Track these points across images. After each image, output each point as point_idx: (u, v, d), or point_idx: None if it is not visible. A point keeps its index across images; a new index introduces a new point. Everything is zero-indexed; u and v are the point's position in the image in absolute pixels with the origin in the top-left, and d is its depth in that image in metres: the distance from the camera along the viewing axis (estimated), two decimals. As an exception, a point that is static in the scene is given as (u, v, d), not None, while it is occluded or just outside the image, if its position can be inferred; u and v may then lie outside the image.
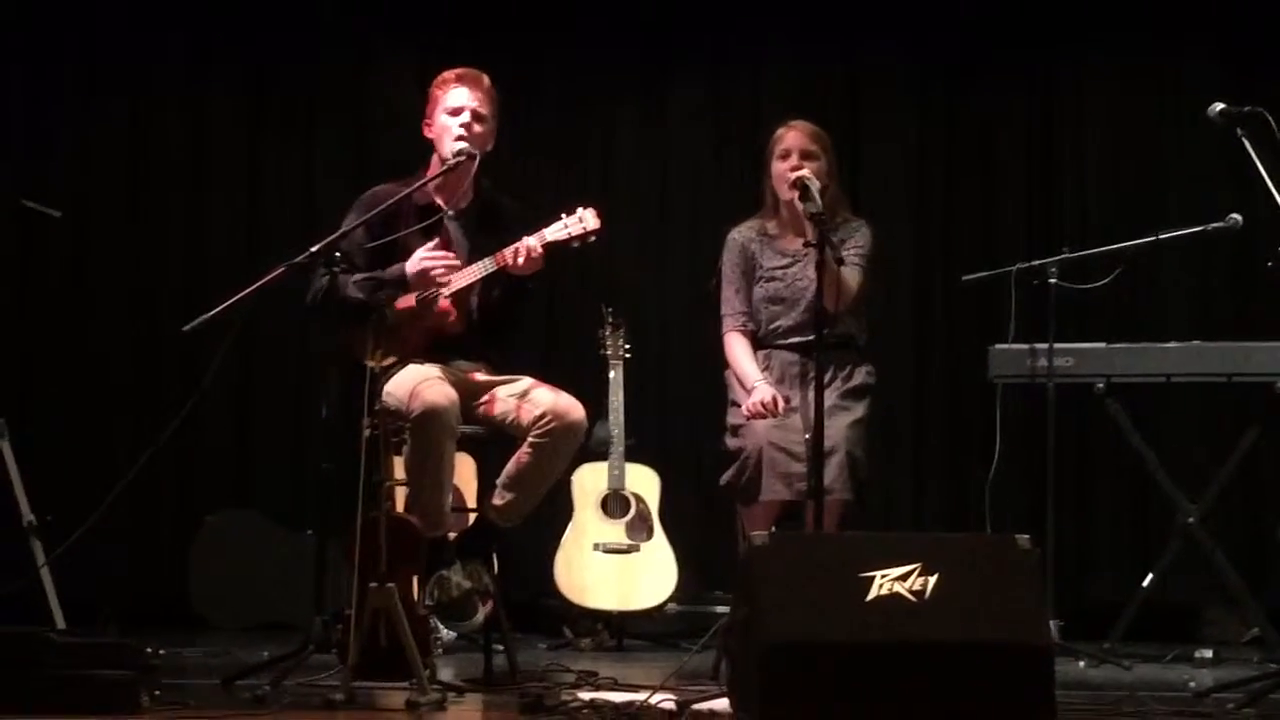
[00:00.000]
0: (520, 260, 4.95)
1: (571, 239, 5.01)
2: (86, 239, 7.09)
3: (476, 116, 5.13)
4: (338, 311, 4.91)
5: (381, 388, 4.80)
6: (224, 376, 6.49)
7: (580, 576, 6.41)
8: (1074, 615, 6.16)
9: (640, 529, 6.47)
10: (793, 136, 5.51)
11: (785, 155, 5.49)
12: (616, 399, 6.44)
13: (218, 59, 7.26)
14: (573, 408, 4.99)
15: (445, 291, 5.01)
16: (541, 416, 4.94)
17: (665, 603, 6.45)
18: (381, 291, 4.94)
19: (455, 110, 5.12)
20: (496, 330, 5.19)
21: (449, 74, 5.20)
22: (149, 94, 7.25)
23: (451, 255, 5.02)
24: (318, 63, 7.26)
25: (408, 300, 5.00)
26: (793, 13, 7.25)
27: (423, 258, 4.98)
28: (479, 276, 5.02)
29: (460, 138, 5.08)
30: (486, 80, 5.20)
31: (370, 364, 4.64)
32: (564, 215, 5.03)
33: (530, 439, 4.96)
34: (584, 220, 5.02)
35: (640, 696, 4.59)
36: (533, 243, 4.96)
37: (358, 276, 4.99)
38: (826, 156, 5.51)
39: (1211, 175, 6.84)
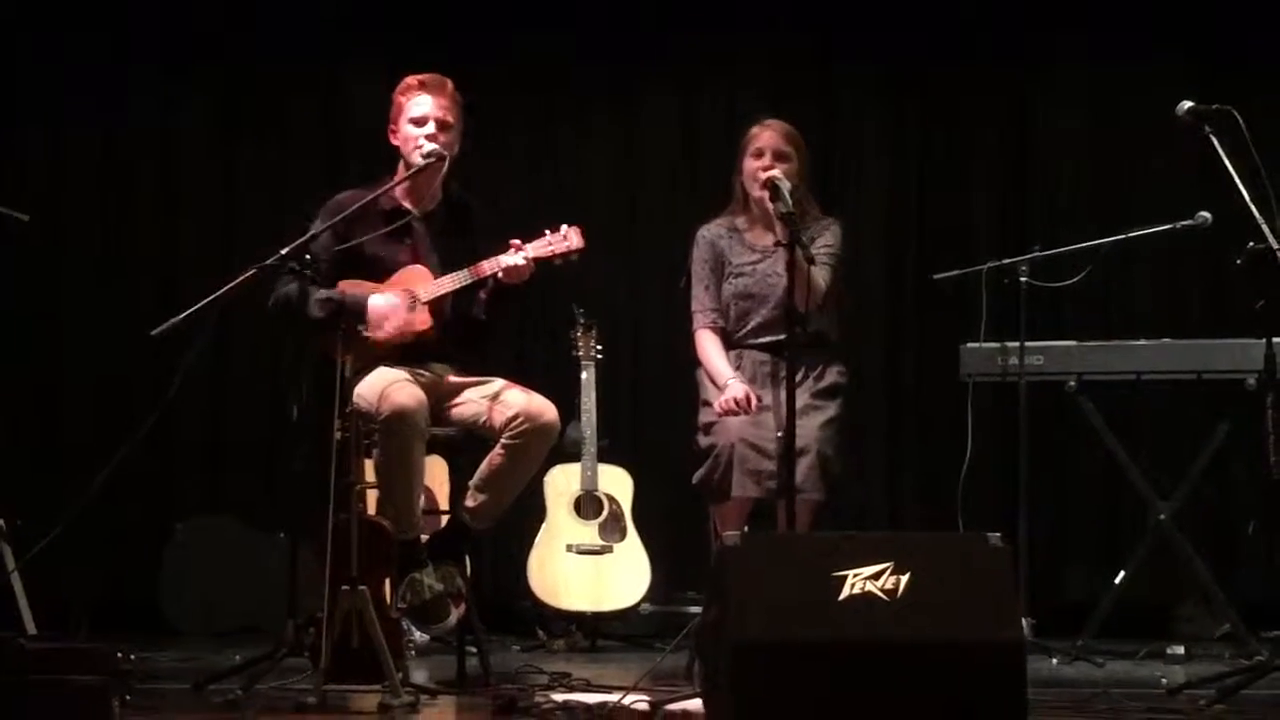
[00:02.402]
0: (501, 276, 4.97)
1: (555, 255, 5.04)
2: (57, 242, 7.07)
3: (441, 125, 5.12)
4: (300, 323, 4.91)
5: (352, 390, 4.79)
6: (195, 380, 6.47)
7: (553, 578, 6.40)
8: (1046, 613, 6.17)
9: (613, 530, 6.47)
10: (767, 136, 5.51)
11: (759, 154, 5.49)
12: (588, 400, 6.44)
13: (190, 62, 7.24)
14: (545, 409, 4.99)
15: (423, 298, 5.01)
16: (514, 418, 4.94)
17: (638, 603, 6.45)
18: (340, 318, 4.89)
19: (419, 120, 5.12)
20: (477, 332, 5.19)
21: (412, 80, 5.19)
22: (121, 97, 7.22)
23: (414, 326, 5.01)
24: (289, 65, 7.24)
25: (387, 333, 4.98)
26: (765, 11, 7.25)
27: (378, 304, 4.97)
28: (454, 288, 5.02)
29: (424, 145, 5.08)
30: (450, 85, 5.19)
31: (340, 363, 4.64)
32: (548, 231, 5.05)
33: (503, 440, 4.96)
34: (568, 238, 5.05)
35: (614, 697, 4.59)
36: (519, 260, 4.96)
37: (320, 294, 4.96)
38: (799, 156, 5.51)
39: (1181, 173, 6.86)
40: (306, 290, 4.88)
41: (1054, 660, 5.79)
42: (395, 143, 5.19)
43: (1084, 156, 7.28)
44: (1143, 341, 6.12)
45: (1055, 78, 7.30)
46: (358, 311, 4.97)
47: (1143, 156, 7.16)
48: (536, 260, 5.02)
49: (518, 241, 5.02)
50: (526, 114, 7.29)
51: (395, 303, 4.99)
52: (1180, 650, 5.98)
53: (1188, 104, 4.95)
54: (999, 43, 7.27)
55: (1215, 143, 4.85)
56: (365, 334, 4.95)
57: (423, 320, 5.00)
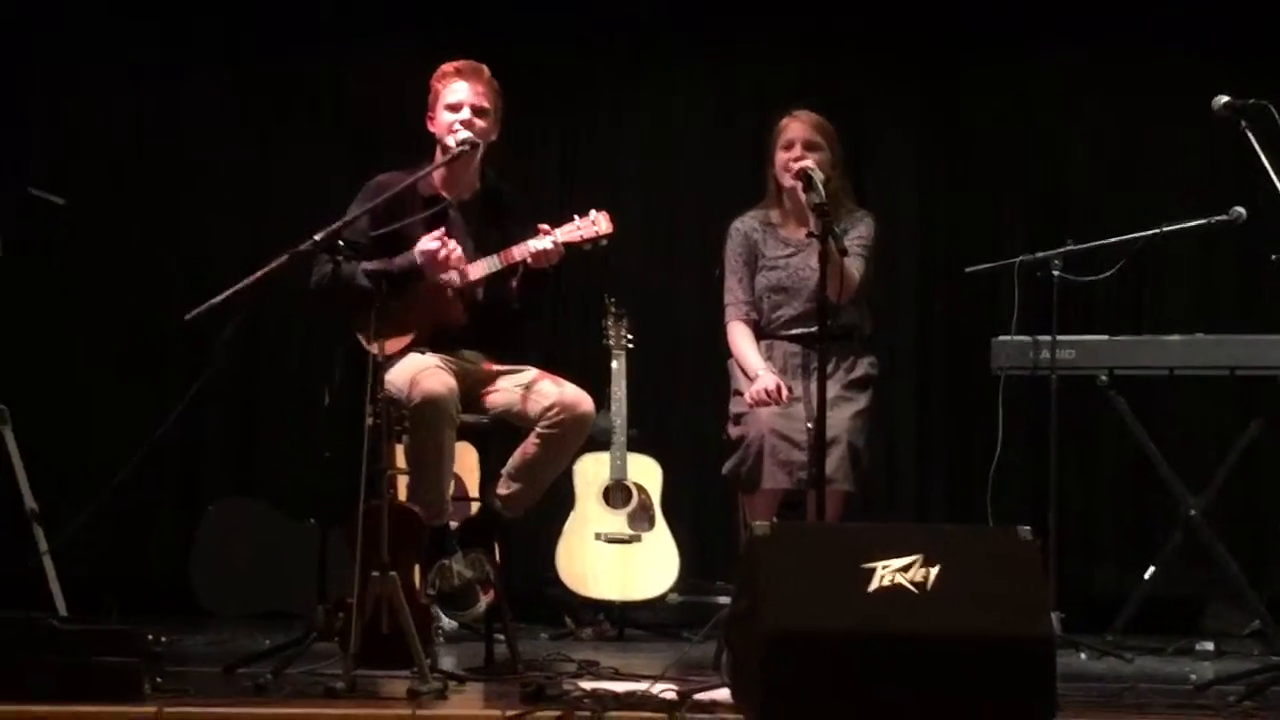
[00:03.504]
0: (530, 261, 4.97)
1: (584, 241, 5.04)
2: (91, 227, 7.09)
3: (477, 111, 5.12)
4: (343, 298, 4.91)
5: (384, 376, 4.80)
6: (227, 365, 6.49)
7: (582, 566, 6.41)
8: (1076, 607, 6.16)
9: (642, 519, 6.48)
10: (796, 127, 5.51)
11: (789, 146, 5.49)
12: (619, 389, 6.45)
13: (225, 51, 7.26)
14: (581, 399, 5.00)
15: (455, 283, 5.02)
16: (550, 408, 4.95)
17: (667, 593, 6.45)
18: (387, 279, 4.92)
19: (455, 106, 5.12)
20: (508, 320, 5.19)
21: (448, 67, 5.20)
22: (155, 86, 7.25)
23: (449, 240, 5.02)
24: (320, 53, 7.26)
25: (447, 259, 4.99)
26: (800, 6, 7.24)
27: (423, 248, 4.99)
28: (484, 274, 5.03)
29: (460, 131, 5.09)
30: (486, 72, 5.19)
31: (372, 350, 4.65)
32: (577, 217, 5.05)
33: (538, 430, 4.96)
34: (597, 223, 5.05)
35: (641, 686, 4.59)
36: (548, 245, 4.97)
37: (367, 265, 4.99)
38: (830, 147, 5.51)
39: (1216, 168, 6.84)
40: (353, 266, 4.91)
41: (1083, 655, 5.77)
42: (432, 130, 5.19)
43: (1118, 150, 7.27)
44: (1175, 337, 6.11)
45: (1090, 71, 7.28)
46: (408, 265, 4.99)
47: (1177, 151, 7.14)
48: (565, 245, 5.02)
49: (546, 227, 5.03)
50: (559, 103, 7.29)
51: (436, 241, 4.99)
52: (1209, 646, 5.97)
53: (1224, 98, 4.94)
54: (1034, 34, 7.25)
55: (1251, 137, 4.83)
56: (431, 281, 4.94)
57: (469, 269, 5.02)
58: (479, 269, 5.04)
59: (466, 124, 5.10)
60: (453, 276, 5.03)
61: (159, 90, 7.27)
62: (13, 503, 5.96)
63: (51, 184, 6.34)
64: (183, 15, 7.21)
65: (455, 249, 5.01)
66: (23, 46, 7.13)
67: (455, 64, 5.20)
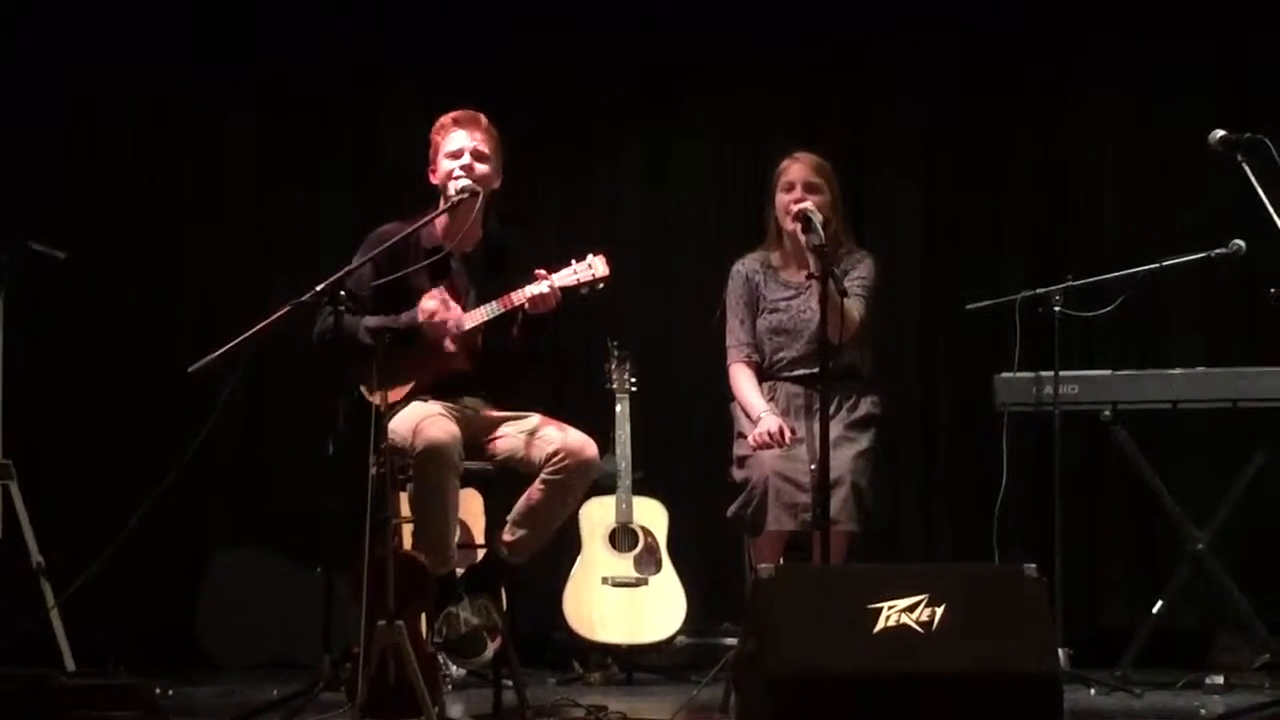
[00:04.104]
0: (528, 306, 4.98)
1: (580, 284, 5.04)
2: (96, 281, 7.10)
3: (477, 155, 5.15)
4: (345, 351, 4.93)
5: (387, 425, 4.81)
6: (231, 415, 6.50)
7: (589, 610, 6.40)
8: (1084, 643, 6.15)
9: (648, 562, 6.47)
10: (796, 169, 5.53)
11: (789, 188, 5.52)
12: (623, 432, 6.45)
13: (229, 97, 7.28)
14: (585, 445, 5.00)
15: (454, 332, 5.04)
16: (555, 454, 4.95)
17: (674, 635, 6.44)
18: (389, 335, 4.94)
19: (455, 154, 5.15)
20: (510, 367, 5.20)
21: (446, 119, 5.23)
22: (161, 132, 7.27)
23: (451, 303, 5.03)
24: (326, 100, 7.28)
25: (445, 327, 5.00)
26: (798, 43, 7.26)
27: (424, 308, 5.00)
28: (485, 319, 5.04)
29: (461, 178, 5.11)
30: (484, 120, 5.22)
31: (374, 400, 4.67)
32: (574, 261, 5.06)
33: (543, 476, 4.97)
34: (593, 267, 5.05)
35: (650, 730, 4.60)
36: (545, 289, 4.98)
37: (370, 321, 5.00)
38: (830, 188, 5.53)
39: (1215, 201, 6.85)
40: (355, 321, 4.92)
41: (1092, 690, 5.76)
42: (434, 181, 5.22)
43: (1118, 185, 7.27)
44: (1178, 370, 6.11)
45: (1088, 107, 7.29)
46: (410, 324, 5.00)
47: (1176, 185, 7.15)
48: (563, 290, 5.03)
49: (543, 271, 5.04)
50: (558, 147, 7.30)
51: (437, 300, 5.00)
52: (1219, 680, 5.94)
53: (1220, 133, 4.96)
54: (1032, 71, 7.27)
55: (1248, 170, 4.85)
56: (433, 339, 4.96)
57: (467, 318, 5.03)
58: (478, 315, 5.05)
59: (466, 169, 5.12)
60: (448, 344, 5.04)
61: (166, 137, 7.28)
62: (19, 558, 5.97)
63: (56, 235, 6.38)
64: (190, 60, 7.23)
65: (455, 311, 5.02)
66: (42, 106, 7.16)
67: (453, 114, 5.23)
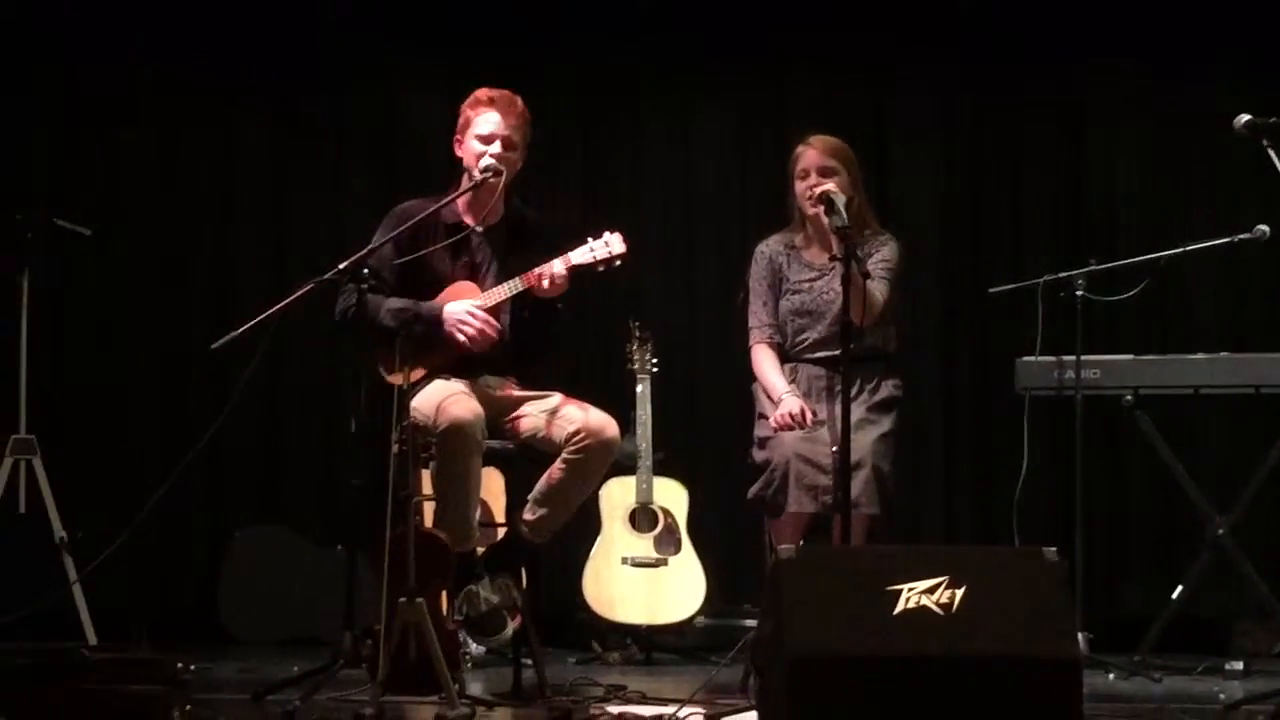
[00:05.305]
0: (545, 284, 4.97)
1: (597, 263, 5.03)
2: (118, 260, 7.12)
3: (506, 144, 5.12)
4: (367, 331, 4.93)
5: (409, 403, 4.82)
6: (253, 393, 6.52)
7: (609, 590, 6.42)
8: (1103, 627, 6.15)
9: (668, 542, 6.48)
10: (810, 155, 5.52)
11: (804, 175, 5.51)
12: (644, 413, 6.45)
13: (245, 82, 7.29)
14: (606, 424, 5.00)
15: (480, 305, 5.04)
16: (576, 433, 4.95)
17: (693, 616, 6.45)
18: (415, 326, 4.94)
19: (486, 138, 5.12)
20: (528, 348, 5.20)
21: (482, 94, 5.18)
22: (180, 120, 7.28)
23: (493, 323, 5.02)
24: (344, 80, 7.28)
25: (469, 335, 5.00)
26: (819, 27, 7.25)
27: (462, 319, 4.99)
28: (507, 296, 5.04)
29: (486, 157, 5.10)
30: (520, 103, 5.18)
31: (396, 382, 4.68)
32: (590, 239, 5.05)
33: (564, 455, 4.97)
34: (610, 244, 5.04)
35: (669, 710, 4.60)
36: (558, 268, 4.98)
37: (394, 303, 5.00)
38: (847, 169, 5.52)
39: (1240, 186, 6.83)
40: (378, 301, 4.93)
41: (1111, 675, 5.76)
42: (459, 154, 5.20)
43: (1141, 169, 7.25)
44: (1200, 355, 6.10)
45: (1113, 90, 7.27)
46: (434, 317, 5.01)
47: (1200, 169, 7.13)
48: (579, 267, 5.02)
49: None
50: (581, 126, 7.31)
51: (470, 306, 5.00)
52: (1238, 666, 5.93)
53: (1245, 117, 4.94)
54: (1056, 55, 7.25)
55: (1273, 155, 4.83)
56: (449, 338, 4.97)
57: (496, 327, 5.02)
58: (500, 292, 5.05)
59: (496, 157, 5.10)
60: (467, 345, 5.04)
61: (186, 121, 7.29)
62: (43, 533, 6.00)
63: (79, 215, 6.40)
64: (205, 48, 7.24)
65: (490, 334, 5.00)
66: (64, 81, 7.17)
67: (490, 92, 5.18)
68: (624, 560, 6.44)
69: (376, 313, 4.94)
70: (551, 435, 5.00)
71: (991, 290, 6.30)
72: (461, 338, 4.98)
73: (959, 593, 3.94)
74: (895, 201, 7.12)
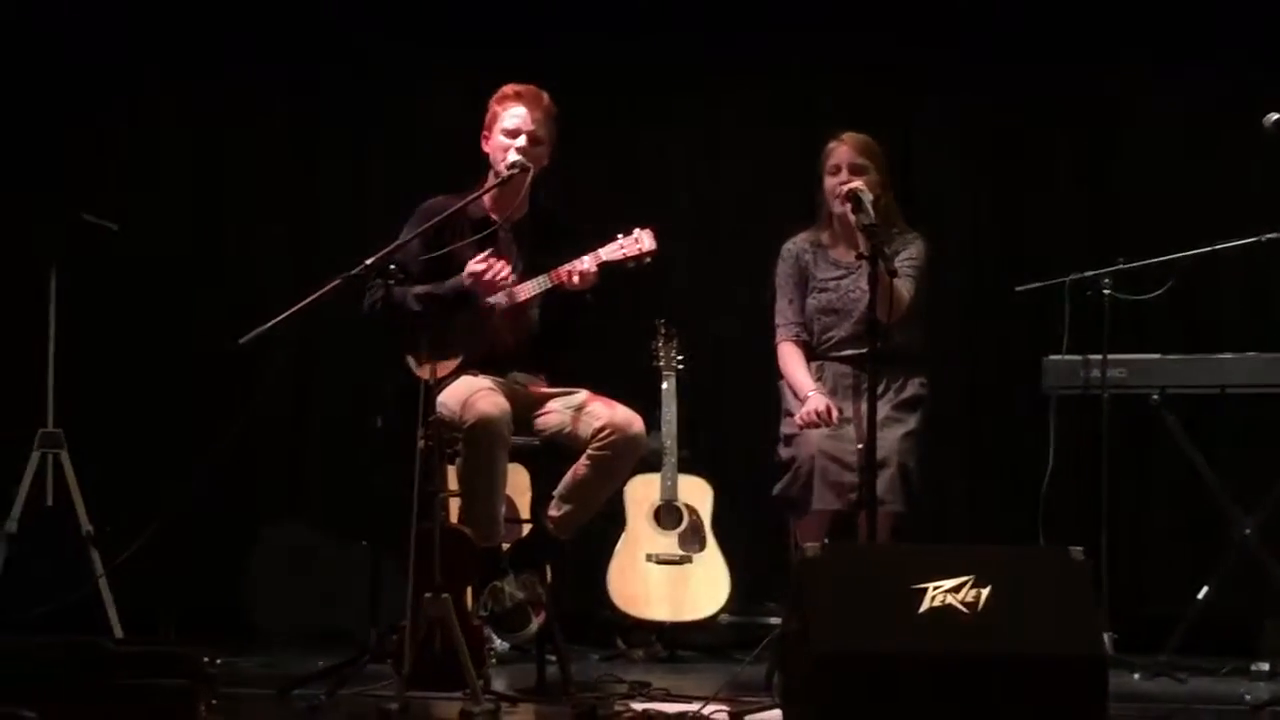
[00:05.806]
0: (575, 280, 4.98)
1: (627, 259, 5.04)
2: (145, 255, 7.13)
3: (532, 139, 5.14)
4: (395, 322, 4.95)
5: (436, 399, 4.83)
6: (280, 388, 6.53)
7: (633, 587, 6.42)
8: (1129, 627, 6.12)
9: (693, 540, 6.48)
10: (842, 151, 5.53)
11: (835, 171, 5.52)
12: (669, 410, 6.45)
13: (271, 81, 7.31)
14: (632, 421, 5.01)
15: (504, 303, 5.05)
16: (602, 430, 4.96)
17: (718, 613, 6.45)
18: (441, 302, 4.96)
19: (512, 132, 5.14)
20: (556, 343, 5.21)
21: (510, 89, 5.21)
22: (207, 118, 7.30)
23: (496, 261, 5.03)
24: (367, 79, 7.29)
25: (496, 285, 5.02)
26: (847, 25, 7.23)
27: (470, 270, 5.01)
28: (535, 293, 5.05)
29: (512, 152, 5.11)
30: (546, 99, 5.20)
31: (422, 375, 4.69)
32: (620, 235, 5.06)
33: (590, 451, 4.98)
34: (640, 241, 5.05)
35: (693, 707, 4.61)
36: (587, 264, 4.99)
37: (417, 290, 5.02)
38: (877, 167, 5.52)
39: (1268, 185, 6.80)
40: (404, 290, 4.95)
41: (1136, 675, 5.75)
42: (486, 149, 5.22)
43: (1168, 167, 7.23)
44: (1227, 355, 6.08)
45: (1142, 88, 7.24)
46: (457, 288, 5.01)
47: (1229, 168, 7.10)
48: (609, 264, 5.03)
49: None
50: (611, 127, 7.31)
51: (483, 263, 5.01)
52: (1265, 667, 5.92)
53: (1274, 115, 4.93)
54: (1083, 53, 7.23)
55: (1301, 155, 4.82)
56: (470, 292, 4.97)
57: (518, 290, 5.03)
58: (528, 289, 5.06)
59: (521, 151, 5.12)
60: (500, 298, 5.06)
61: (208, 119, 7.31)
62: (70, 526, 6.02)
63: (106, 211, 6.42)
64: (232, 46, 7.26)
65: (503, 269, 5.03)
66: (93, 80, 7.20)
67: (517, 87, 5.20)
68: (648, 557, 6.44)
69: (403, 301, 4.96)
70: (577, 431, 5.01)
71: (1018, 289, 6.29)
72: (484, 275, 4.97)
73: (984, 591, 3.94)
74: (922, 201, 7.10)
